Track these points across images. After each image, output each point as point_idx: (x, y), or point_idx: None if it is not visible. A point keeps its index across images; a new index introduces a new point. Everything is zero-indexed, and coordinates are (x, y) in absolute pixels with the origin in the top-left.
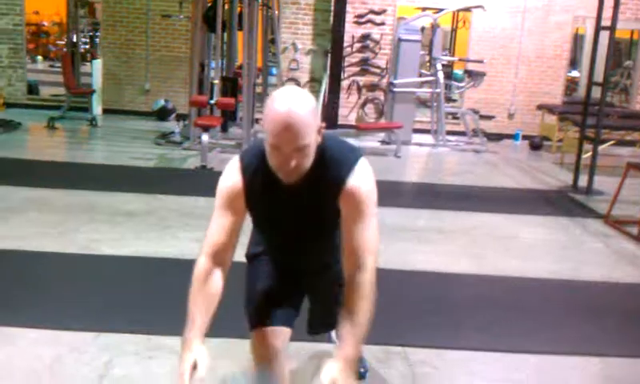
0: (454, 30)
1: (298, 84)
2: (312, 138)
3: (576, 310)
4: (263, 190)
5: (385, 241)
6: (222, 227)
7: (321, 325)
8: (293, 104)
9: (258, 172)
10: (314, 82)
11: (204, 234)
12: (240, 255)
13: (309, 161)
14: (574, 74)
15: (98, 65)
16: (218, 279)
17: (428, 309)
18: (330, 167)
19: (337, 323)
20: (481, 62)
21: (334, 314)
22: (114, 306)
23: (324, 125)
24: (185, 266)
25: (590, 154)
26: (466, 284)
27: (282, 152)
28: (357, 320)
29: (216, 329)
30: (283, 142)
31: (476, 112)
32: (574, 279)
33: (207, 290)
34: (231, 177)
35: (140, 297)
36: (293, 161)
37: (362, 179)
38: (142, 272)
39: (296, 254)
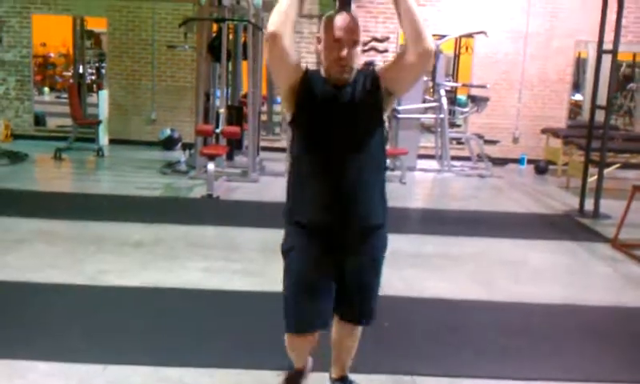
0: (456, 56)
1: None
2: (359, 40)
3: (586, 336)
4: (316, 84)
5: (392, 268)
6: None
7: (354, 312)
8: (347, 14)
9: (315, 74)
10: None
11: (212, 263)
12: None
13: (356, 59)
14: (578, 97)
15: (104, 95)
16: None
17: (437, 336)
18: (363, 73)
19: (371, 314)
20: (484, 87)
21: (370, 302)
22: (121, 337)
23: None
24: (193, 296)
25: (595, 177)
26: (475, 310)
27: (341, 41)
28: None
29: (229, 359)
30: (345, 30)
31: (480, 137)
32: (583, 304)
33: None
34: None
35: (148, 328)
36: (346, 50)
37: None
38: (149, 303)
39: (340, 176)
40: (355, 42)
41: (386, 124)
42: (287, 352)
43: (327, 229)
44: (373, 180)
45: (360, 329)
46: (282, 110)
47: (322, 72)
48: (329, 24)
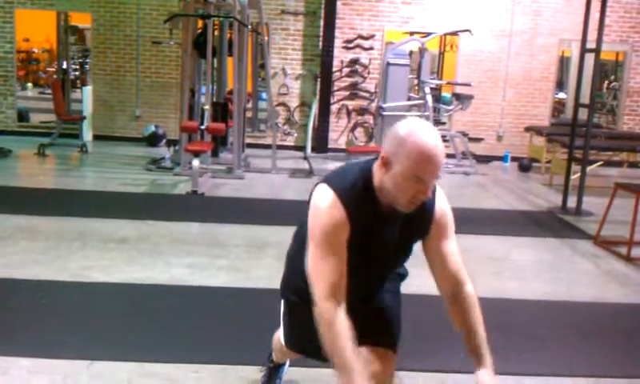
0: (441, 54)
1: (288, 109)
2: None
3: (568, 331)
4: (365, 222)
5: None
6: (336, 268)
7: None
8: (438, 138)
9: (361, 204)
10: (303, 107)
11: (196, 259)
12: (237, 279)
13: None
14: (561, 95)
15: (88, 91)
16: (346, 321)
17: (423, 332)
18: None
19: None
20: (468, 85)
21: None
22: (106, 333)
23: None
24: (177, 292)
25: (578, 175)
26: None
27: (423, 183)
28: (481, 330)
29: (213, 355)
30: (430, 174)
31: (465, 134)
32: (566, 300)
33: (349, 334)
34: (333, 211)
35: (132, 324)
36: (430, 191)
37: (445, 202)
38: (134, 298)
39: (366, 288)
40: (437, 180)
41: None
42: (275, 350)
43: None
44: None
45: (394, 361)
46: (268, 106)
47: (375, 192)
48: (414, 155)
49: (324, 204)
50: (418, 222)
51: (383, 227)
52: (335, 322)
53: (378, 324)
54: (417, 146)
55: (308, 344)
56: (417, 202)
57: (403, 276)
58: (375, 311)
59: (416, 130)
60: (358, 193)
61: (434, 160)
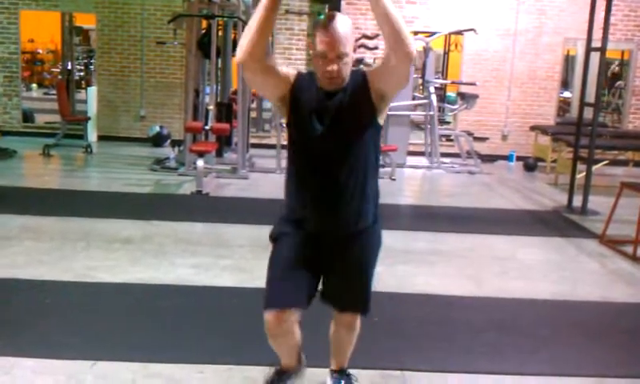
0: (446, 53)
1: None
2: (350, 50)
3: (574, 331)
4: (308, 91)
5: (383, 264)
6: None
7: (340, 301)
8: (339, 20)
9: (308, 78)
10: None
11: (201, 260)
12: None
13: (348, 70)
14: (567, 94)
15: (92, 92)
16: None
17: (427, 332)
18: (354, 77)
19: (365, 304)
20: (473, 84)
21: (363, 293)
22: (110, 333)
23: (356, 45)
24: (181, 292)
25: (583, 174)
26: (465, 306)
27: (327, 58)
28: None
29: (218, 355)
30: (329, 47)
31: (470, 134)
32: (572, 299)
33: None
34: (288, 70)
35: (137, 324)
36: (335, 66)
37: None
38: (138, 299)
39: (330, 181)
40: (344, 56)
41: (382, 126)
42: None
43: (317, 232)
44: (363, 182)
45: (357, 324)
46: (273, 107)
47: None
48: (316, 35)
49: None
50: (356, 88)
51: (328, 99)
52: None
53: (348, 286)
54: (318, 28)
55: (282, 284)
56: (330, 77)
57: (375, 231)
58: (340, 278)
59: (325, 18)
60: (309, 75)
61: (330, 36)
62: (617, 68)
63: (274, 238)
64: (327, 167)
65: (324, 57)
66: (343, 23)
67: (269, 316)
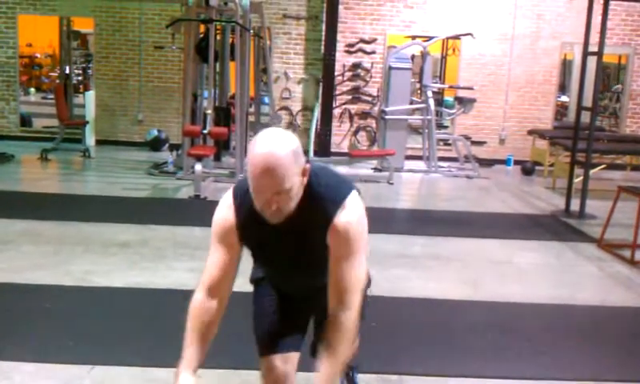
0: (443, 58)
1: (291, 113)
2: (294, 181)
3: (572, 335)
4: (254, 225)
5: (380, 268)
6: (217, 262)
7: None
8: (272, 148)
9: (248, 208)
10: (306, 111)
11: (199, 264)
12: (239, 284)
13: (292, 203)
14: (564, 98)
15: (90, 96)
16: (213, 313)
17: (424, 336)
18: (319, 204)
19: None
20: (471, 88)
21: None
22: (108, 337)
23: (308, 166)
24: (180, 297)
25: (581, 178)
26: (463, 310)
27: (263, 196)
28: (335, 357)
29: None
30: (263, 186)
31: (467, 138)
32: (570, 303)
33: (201, 325)
34: (223, 213)
35: (134, 328)
36: (274, 205)
37: (350, 215)
38: (136, 303)
39: (293, 281)
40: (283, 192)
41: None
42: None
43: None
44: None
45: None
46: (270, 110)
47: None
48: (248, 158)
49: (221, 203)
50: (313, 229)
51: (277, 232)
52: (193, 309)
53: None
54: (250, 159)
55: (267, 324)
56: (270, 214)
57: None
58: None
59: (254, 141)
60: (249, 199)
61: (265, 173)
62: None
63: (254, 281)
64: (288, 277)
65: (260, 194)
66: (282, 148)
67: (267, 363)
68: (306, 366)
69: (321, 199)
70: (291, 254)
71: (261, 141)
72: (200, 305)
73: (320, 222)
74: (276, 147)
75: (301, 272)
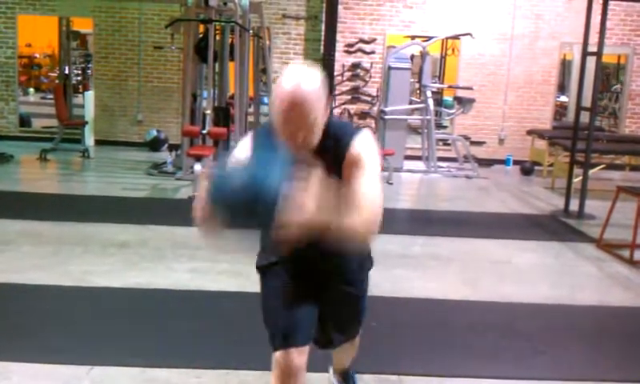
0: (443, 58)
1: None
2: (319, 114)
3: (572, 335)
4: (267, 148)
5: (380, 268)
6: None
7: (332, 338)
8: (301, 80)
9: (268, 138)
10: None
11: (198, 264)
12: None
13: (317, 135)
14: (563, 99)
15: (90, 96)
16: None
17: (424, 336)
18: (336, 136)
19: (350, 336)
20: (470, 88)
21: (349, 327)
22: (108, 338)
23: (331, 100)
24: (179, 297)
25: (580, 178)
26: (462, 310)
27: (289, 127)
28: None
29: (215, 359)
30: (291, 119)
31: (467, 138)
32: (569, 303)
33: None
34: (243, 142)
35: (134, 328)
36: (300, 134)
37: (364, 141)
38: (135, 304)
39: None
40: (309, 124)
41: None
42: None
43: (302, 260)
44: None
45: (357, 337)
46: (270, 111)
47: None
48: (277, 104)
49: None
50: (330, 160)
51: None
52: None
53: (333, 323)
54: (278, 91)
55: (282, 309)
56: (295, 145)
57: (366, 264)
58: (329, 316)
59: (283, 75)
60: (268, 133)
61: (294, 104)
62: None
63: (261, 268)
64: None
65: (286, 124)
66: (311, 82)
67: (282, 357)
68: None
69: (338, 131)
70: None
71: (289, 75)
72: None
73: (336, 152)
74: (304, 81)
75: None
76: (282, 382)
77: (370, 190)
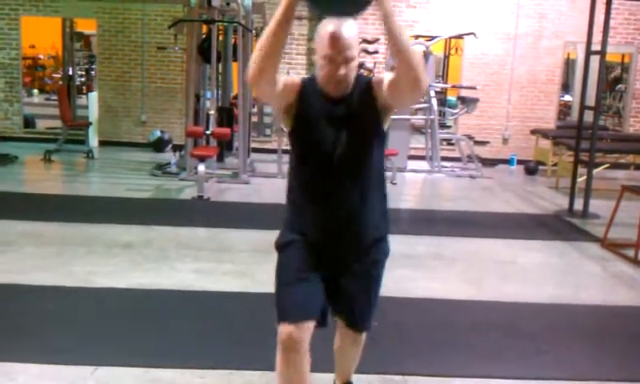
0: (446, 57)
1: None
2: (356, 53)
3: (576, 335)
4: (313, 98)
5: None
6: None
7: (353, 317)
8: (343, 22)
9: (311, 84)
10: None
11: (202, 265)
12: (243, 285)
13: (353, 74)
14: (567, 98)
15: (94, 97)
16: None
17: (428, 336)
18: (363, 82)
19: (365, 322)
20: (474, 88)
21: (365, 311)
22: (112, 338)
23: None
24: (182, 297)
25: (584, 177)
26: (466, 310)
27: (333, 62)
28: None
29: (219, 360)
30: (336, 51)
31: (470, 138)
32: (573, 303)
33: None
34: (291, 78)
35: (138, 329)
36: (342, 69)
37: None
38: (139, 304)
39: (339, 194)
40: (351, 59)
41: (386, 133)
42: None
43: (325, 245)
44: (373, 194)
45: (362, 337)
46: (273, 111)
47: (319, 82)
48: (320, 38)
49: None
50: (362, 96)
51: (333, 106)
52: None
53: (346, 304)
54: (323, 31)
55: (296, 295)
56: (336, 81)
57: (383, 244)
58: (348, 291)
59: (329, 20)
60: (311, 81)
61: (338, 39)
62: (618, 72)
63: (279, 246)
64: (332, 176)
65: (331, 60)
66: (350, 26)
67: (288, 328)
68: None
69: (361, 80)
70: (342, 135)
71: (331, 21)
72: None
73: (363, 89)
74: (346, 22)
75: (348, 167)
76: (283, 355)
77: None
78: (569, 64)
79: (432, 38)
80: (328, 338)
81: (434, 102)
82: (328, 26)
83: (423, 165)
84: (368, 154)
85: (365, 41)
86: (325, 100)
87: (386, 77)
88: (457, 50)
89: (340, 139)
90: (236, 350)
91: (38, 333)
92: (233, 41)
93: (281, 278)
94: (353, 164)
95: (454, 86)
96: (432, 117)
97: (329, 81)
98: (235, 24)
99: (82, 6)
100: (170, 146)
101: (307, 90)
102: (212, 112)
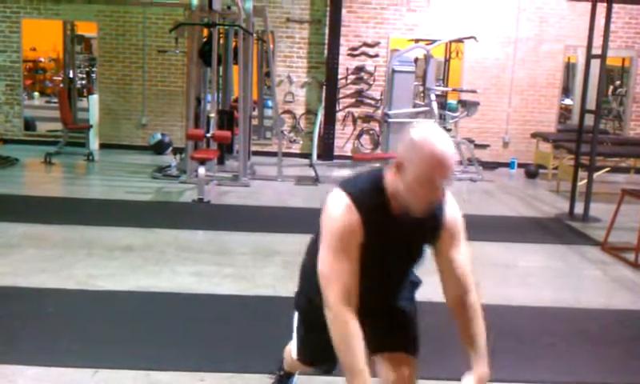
0: (447, 61)
1: (294, 116)
2: None
3: (576, 338)
4: (379, 226)
5: None
6: (349, 271)
7: (397, 341)
8: (447, 141)
9: (374, 208)
10: (309, 114)
11: (202, 267)
12: (242, 288)
13: None
14: (567, 101)
15: (94, 100)
16: (358, 325)
17: (426, 339)
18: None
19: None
20: (474, 91)
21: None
22: (112, 341)
23: None
24: (183, 300)
25: (585, 181)
26: None
27: (435, 185)
28: (480, 340)
29: (220, 363)
30: (441, 176)
31: (471, 141)
32: (574, 307)
33: (361, 337)
34: (346, 215)
35: (138, 332)
36: (439, 195)
37: (456, 208)
38: (139, 307)
39: (380, 295)
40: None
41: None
42: (286, 361)
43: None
44: (406, 280)
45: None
46: (274, 114)
47: (387, 197)
48: (422, 159)
49: (338, 208)
50: (429, 227)
51: (395, 232)
52: (349, 323)
53: (395, 327)
54: (431, 151)
55: (318, 357)
56: (430, 206)
57: (417, 284)
58: (391, 315)
59: (430, 135)
60: (371, 197)
61: (447, 164)
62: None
63: (301, 316)
64: (382, 288)
65: (435, 186)
66: (450, 143)
67: (304, 365)
68: None
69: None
70: (402, 255)
71: (435, 135)
72: (352, 320)
73: (434, 216)
74: (448, 141)
75: (396, 278)
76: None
77: (468, 260)
78: (569, 68)
79: (432, 41)
80: None
81: (435, 105)
82: (432, 145)
83: None
84: (414, 266)
85: (365, 44)
86: (391, 220)
87: (458, 242)
88: (457, 53)
89: (398, 256)
90: (236, 352)
91: (38, 335)
92: (233, 44)
93: (304, 344)
94: (403, 276)
95: (454, 90)
96: (432, 120)
97: (424, 203)
98: (236, 27)
99: (83, 9)
100: (171, 148)
101: (369, 218)
102: (212, 115)
